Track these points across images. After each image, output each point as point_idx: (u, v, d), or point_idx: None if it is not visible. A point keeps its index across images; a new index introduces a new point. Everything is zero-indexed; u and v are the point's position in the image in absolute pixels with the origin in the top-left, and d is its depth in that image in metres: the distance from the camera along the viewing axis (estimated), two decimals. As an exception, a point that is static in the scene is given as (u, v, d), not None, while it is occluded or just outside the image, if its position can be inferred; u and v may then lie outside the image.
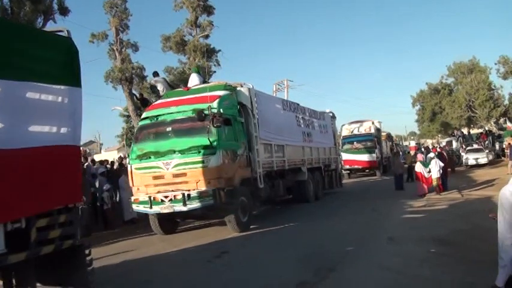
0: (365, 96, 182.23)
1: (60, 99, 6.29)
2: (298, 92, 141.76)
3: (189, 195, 11.85)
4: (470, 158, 31.22)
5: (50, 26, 18.11)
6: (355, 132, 31.97)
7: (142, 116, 13.39)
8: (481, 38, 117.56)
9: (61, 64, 6.36)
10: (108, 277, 8.40)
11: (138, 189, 12.79)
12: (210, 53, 34.06)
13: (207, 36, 33.93)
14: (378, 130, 33.02)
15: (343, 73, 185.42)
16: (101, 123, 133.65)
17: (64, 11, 19.40)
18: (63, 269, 6.62)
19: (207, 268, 9.12)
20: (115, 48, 33.07)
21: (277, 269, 8.37)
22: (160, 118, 12.98)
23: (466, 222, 11.47)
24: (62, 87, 6.28)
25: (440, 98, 52.65)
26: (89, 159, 17.12)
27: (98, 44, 32.63)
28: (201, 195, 11.80)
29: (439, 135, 61.94)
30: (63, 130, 6.33)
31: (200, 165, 11.98)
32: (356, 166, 30.73)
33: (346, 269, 7.84)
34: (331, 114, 22.92)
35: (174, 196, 11.96)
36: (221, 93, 13.23)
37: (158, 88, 14.54)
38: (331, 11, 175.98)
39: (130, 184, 12.99)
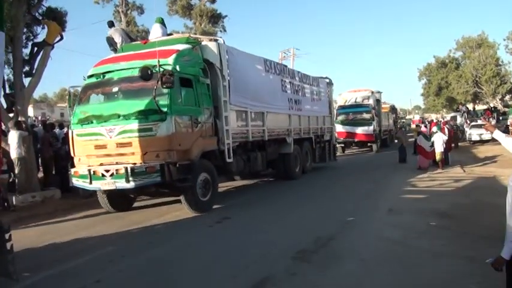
0: (371, 66, 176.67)
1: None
2: (304, 61, 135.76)
3: (132, 169, 9.14)
4: (474, 134, 28.65)
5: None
6: (352, 102, 27.46)
7: (88, 73, 10.54)
8: (491, 14, 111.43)
9: None
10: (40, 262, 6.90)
11: (79, 159, 10.11)
12: (216, 18, 31.89)
13: (213, 1, 31.83)
14: (378, 101, 28.68)
15: (350, 43, 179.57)
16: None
17: None
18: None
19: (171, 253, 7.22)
20: (120, 10, 31.05)
21: (276, 237, 7.68)
22: (107, 76, 10.14)
23: (467, 196, 10.82)
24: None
25: (447, 72, 49.39)
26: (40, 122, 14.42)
27: (103, 5, 30.46)
28: (146, 171, 9.09)
29: (444, 110, 58.79)
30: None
31: (147, 133, 9.24)
32: (350, 139, 26.62)
33: (345, 238, 7.45)
34: (327, 80, 19.50)
35: (116, 170, 9.26)
36: (180, 47, 10.30)
37: (116, 40, 11.57)
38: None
39: (72, 153, 10.29)
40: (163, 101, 9.21)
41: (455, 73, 46.76)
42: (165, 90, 9.22)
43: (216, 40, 11.14)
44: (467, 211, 9.10)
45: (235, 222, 9.26)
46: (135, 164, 9.26)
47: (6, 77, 12.87)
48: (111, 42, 11.75)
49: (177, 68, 9.63)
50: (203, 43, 10.88)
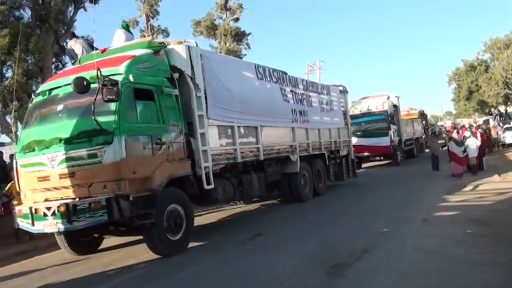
0: (400, 74, 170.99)
1: None
2: (331, 74, 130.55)
3: (74, 206, 6.95)
4: (507, 137, 25.78)
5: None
6: (364, 110, 23.18)
7: (38, 91, 8.51)
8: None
9: None
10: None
11: (25, 195, 8.00)
12: (240, 36, 30.69)
13: (237, 19, 31.25)
14: (395, 107, 24.37)
15: (377, 53, 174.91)
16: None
17: None
18: None
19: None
20: (146, 35, 30.53)
21: (308, 252, 7.20)
22: (53, 92, 8.05)
23: (503, 202, 10.09)
24: None
25: (477, 76, 46.23)
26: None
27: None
28: (91, 207, 6.86)
29: (476, 114, 54.86)
30: None
31: (92, 160, 7.03)
32: (363, 153, 21.96)
33: (381, 250, 6.92)
34: (341, 88, 16.70)
35: (58, 208, 7.07)
36: (138, 52, 8.10)
37: (76, 52, 9.54)
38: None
39: (17, 187, 8.20)
40: (110, 118, 7.02)
41: (485, 76, 43.82)
42: (112, 106, 7.04)
43: (186, 43, 8.82)
44: (504, 216, 8.57)
45: (267, 239, 8.53)
46: (80, 198, 7.08)
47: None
48: (71, 54, 9.72)
49: (130, 77, 7.42)
50: (169, 47, 8.61)
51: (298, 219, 10.43)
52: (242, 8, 30.48)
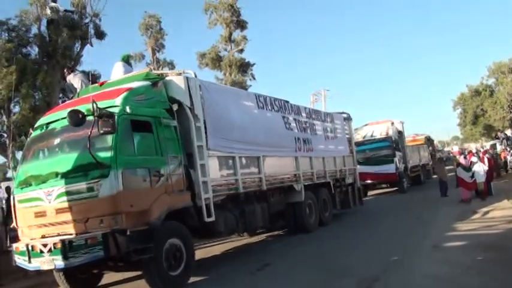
0: (405, 101, 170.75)
1: None
2: (335, 101, 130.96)
3: (70, 242, 6.73)
4: None
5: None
6: (368, 137, 22.72)
7: (36, 125, 8.42)
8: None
9: None
10: None
11: (22, 231, 7.80)
12: (245, 67, 30.89)
13: (241, 51, 31.73)
14: (400, 133, 23.82)
15: (381, 80, 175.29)
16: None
17: (100, 35, 18.64)
18: None
19: None
20: (152, 68, 30.80)
21: (316, 282, 7.14)
22: (50, 126, 7.96)
23: None
24: None
25: (482, 100, 46.20)
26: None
27: (135, 64, 30.01)
28: (87, 243, 6.63)
29: (483, 139, 54.45)
30: None
31: (88, 194, 6.85)
32: (369, 181, 21.28)
33: (390, 278, 6.79)
34: (345, 115, 16.52)
35: (54, 245, 6.85)
36: (135, 84, 8.02)
37: (75, 86, 9.49)
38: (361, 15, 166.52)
39: (15, 224, 8.01)
40: (106, 151, 6.88)
41: (490, 100, 44.01)
42: (109, 138, 6.91)
43: (185, 74, 8.74)
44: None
45: (275, 269, 8.37)
46: (77, 234, 6.87)
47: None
48: (70, 89, 9.68)
49: (127, 109, 7.30)
50: (167, 78, 8.55)
51: (306, 248, 10.24)
52: (246, 39, 30.69)
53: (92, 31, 18.31)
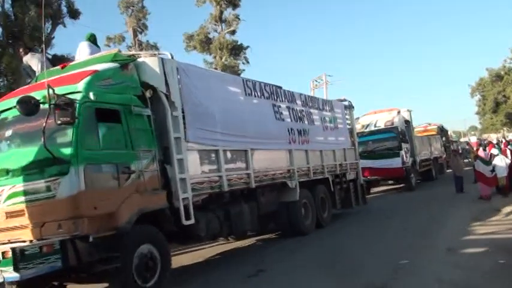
0: (418, 88, 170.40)
1: None
2: (338, 89, 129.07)
3: (22, 251, 6.31)
4: None
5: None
6: (371, 127, 21.61)
7: None
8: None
9: None
10: None
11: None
12: (237, 50, 30.54)
13: (233, 32, 31.28)
14: (407, 122, 23.03)
15: (391, 64, 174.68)
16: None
17: (74, 14, 18.51)
18: None
19: None
20: (134, 51, 30.53)
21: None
22: (1, 115, 7.59)
23: None
24: None
25: (504, 86, 45.68)
26: None
27: (115, 47, 29.49)
28: (42, 252, 6.28)
29: (505, 129, 54.08)
30: None
31: (44, 194, 6.48)
32: (372, 177, 20.64)
33: (399, 284, 6.81)
34: (346, 103, 16.06)
35: (3, 254, 6.48)
36: (101, 67, 7.64)
37: (33, 68, 9.14)
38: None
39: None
40: (65, 145, 6.54)
41: None
42: (69, 130, 6.57)
43: (161, 56, 8.36)
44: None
45: (271, 275, 8.28)
46: (31, 241, 6.55)
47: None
48: (27, 72, 9.31)
49: (91, 95, 6.91)
50: (139, 60, 8.13)
51: (303, 252, 10.12)
52: (239, 19, 30.63)
53: (64, 9, 18.31)
